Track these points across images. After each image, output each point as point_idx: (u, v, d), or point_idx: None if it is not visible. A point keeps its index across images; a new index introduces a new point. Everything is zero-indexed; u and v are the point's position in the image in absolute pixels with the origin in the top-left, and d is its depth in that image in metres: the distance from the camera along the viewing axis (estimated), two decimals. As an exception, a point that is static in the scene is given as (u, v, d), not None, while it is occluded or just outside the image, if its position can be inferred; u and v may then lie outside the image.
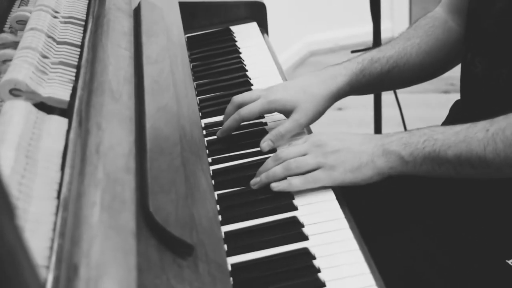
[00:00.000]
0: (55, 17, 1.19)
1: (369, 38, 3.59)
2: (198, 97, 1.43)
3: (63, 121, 0.90)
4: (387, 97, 2.44)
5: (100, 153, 0.78)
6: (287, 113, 1.24)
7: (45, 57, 1.05)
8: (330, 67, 1.30)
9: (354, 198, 1.15)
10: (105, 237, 0.65)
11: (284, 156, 1.11)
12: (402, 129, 2.27)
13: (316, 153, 1.09)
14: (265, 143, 1.21)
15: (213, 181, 1.14)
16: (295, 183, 1.09)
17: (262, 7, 1.75)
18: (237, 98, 1.27)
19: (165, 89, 1.11)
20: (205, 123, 1.34)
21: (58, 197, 0.76)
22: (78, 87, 0.95)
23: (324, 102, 1.25)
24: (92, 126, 0.83)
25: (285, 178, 1.10)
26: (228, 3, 1.75)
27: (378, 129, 2.36)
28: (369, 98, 2.42)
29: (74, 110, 0.90)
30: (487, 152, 1.01)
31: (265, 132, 1.26)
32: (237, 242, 1.01)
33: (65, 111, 0.94)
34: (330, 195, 1.10)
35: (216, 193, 1.11)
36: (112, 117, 0.87)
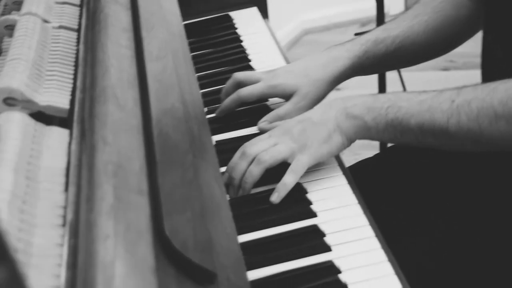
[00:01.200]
0: (48, 9, 1.10)
1: (363, 15, 3.53)
2: (200, 91, 1.35)
3: (64, 133, 0.81)
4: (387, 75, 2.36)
5: (108, 173, 0.69)
6: (288, 97, 1.22)
7: (40, 56, 0.96)
8: (332, 49, 1.26)
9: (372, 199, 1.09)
10: (123, 279, 0.57)
11: (254, 152, 1.05)
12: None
13: (285, 141, 1.05)
14: (263, 123, 1.19)
15: (223, 186, 1.06)
16: (288, 180, 1.03)
17: (263, -9, 1.67)
18: (238, 76, 1.25)
19: (170, 89, 1.03)
20: (208, 119, 1.26)
21: (64, 224, 0.68)
22: (78, 93, 0.87)
23: (325, 87, 1.22)
24: (98, 141, 0.75)
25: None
26: (226, -12, 1.66)
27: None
28: (369, 77, 2.34)
29: (76, 120, 0.82)
30: (450, 124, 0.97)
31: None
32: (254, 256, 0.93)
33: (65, 120, 0.86)
34: (352, 199, 1.02)
35: (227, 198, 1.04)
36: (119, 128, 0.78)
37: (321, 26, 3.53)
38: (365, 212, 1.00)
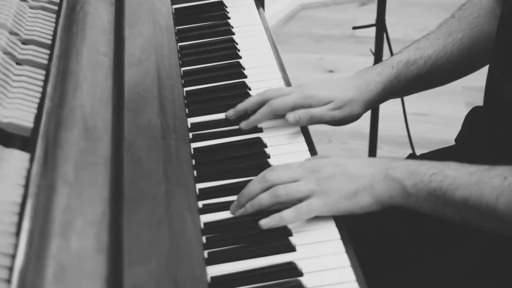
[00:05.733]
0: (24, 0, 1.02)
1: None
2: (184, 88, 1.26)
3: (24, 158, 0.74)
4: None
5: (64, 224, 0.62)
6: None
7: (9, 56, 0.88)
8: (364, 72, 1.20)
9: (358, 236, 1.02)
10: None
11: (273, 180, 0.97)
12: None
13: (309, 180, 0.96)
14: (292, 115, 1.13)
15: (198, 204, 0.99)
16: (287, 216, 0.95)
17: (260, -22, 1.58)
18: (267, 94, 1.17)
19: (149, 101, 0.95)
20: (191, 123, 1.18)
21: (10, 279, 0.61)
22: (45, 111, 0.79)
23: (359, 108, 1.17)
24: (58, 179, 0.67)
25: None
26: (222, -27, 1.57)
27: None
28: (366, 60, 2.26)
29: (38, 147, 0.74)
30: (499, 203, 0.88)
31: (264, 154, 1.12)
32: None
33: (27, 139, 0.78)
34: (334, 234, 0.96)
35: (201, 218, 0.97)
36: (84, 162, 0.71)
37: (319, 2, 3.43)
38: (347, 251, 0.93)
